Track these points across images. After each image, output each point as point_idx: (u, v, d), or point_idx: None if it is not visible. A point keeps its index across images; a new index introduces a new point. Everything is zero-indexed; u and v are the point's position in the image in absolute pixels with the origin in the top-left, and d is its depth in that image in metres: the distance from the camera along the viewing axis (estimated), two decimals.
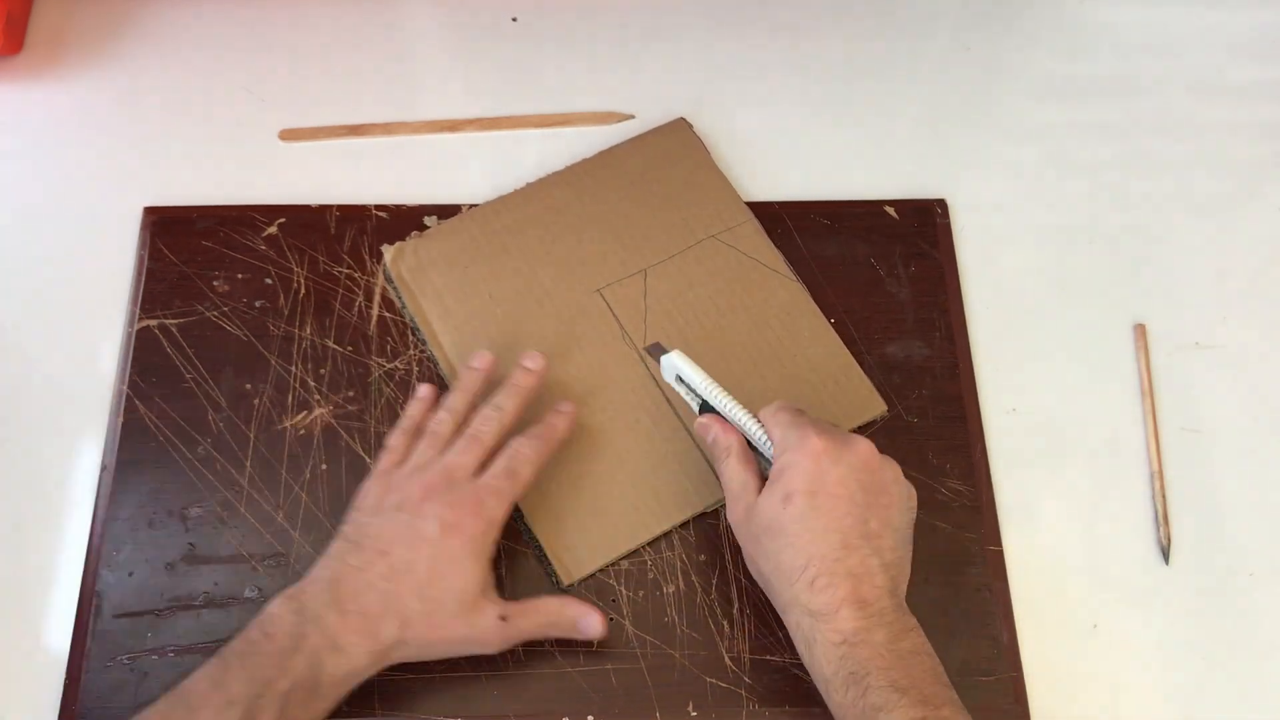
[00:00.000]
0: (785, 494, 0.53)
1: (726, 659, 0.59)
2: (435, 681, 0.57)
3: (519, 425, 0.60)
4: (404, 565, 0.54)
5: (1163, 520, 0.63)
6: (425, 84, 0.77)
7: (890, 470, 0.55)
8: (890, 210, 0.71)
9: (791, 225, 0.70)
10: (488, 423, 0.58)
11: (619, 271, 0.68)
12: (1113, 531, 0.63)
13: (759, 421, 0.57)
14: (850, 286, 0.69)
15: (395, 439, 0.60)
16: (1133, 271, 0.71)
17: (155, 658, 0.58)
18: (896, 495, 0.54)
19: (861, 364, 0.66)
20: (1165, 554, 0.63)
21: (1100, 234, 0.72)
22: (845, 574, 0.51)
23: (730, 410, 0.57)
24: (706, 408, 0.59)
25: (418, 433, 0.60)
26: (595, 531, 0.61)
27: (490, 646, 0.56)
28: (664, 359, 0.60)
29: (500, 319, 0.66)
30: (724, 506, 0.59)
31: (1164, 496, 0.64)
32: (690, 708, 0.58)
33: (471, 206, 0.70)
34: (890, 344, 0.67)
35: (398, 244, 0.68)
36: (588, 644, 0.58)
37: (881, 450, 0.63)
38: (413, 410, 0.61)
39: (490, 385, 0.61)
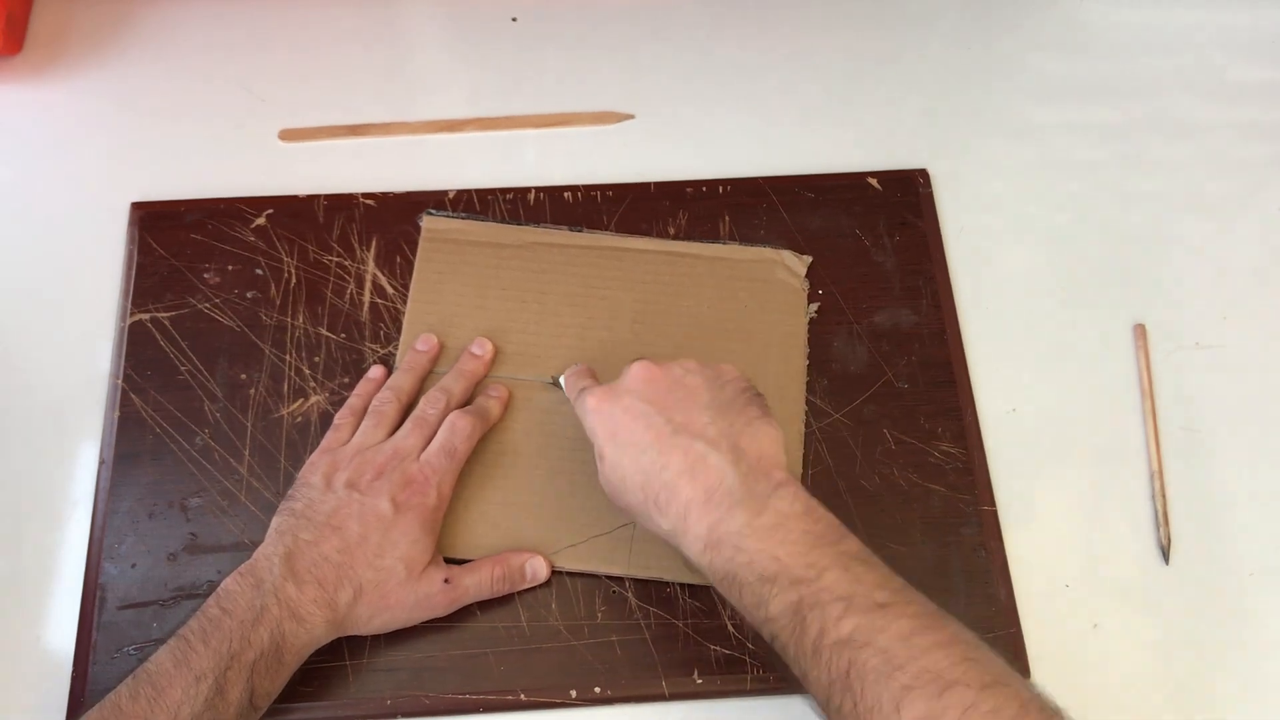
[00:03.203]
0: (599, 457, 0.54)
1: (729, 626, 0.59)
2: (440, 659, 0.58)
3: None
4: (357, 539, 0.55)
5: (1163, 520, 0.63)
6: (425, 84, 0.77)
7: (678, 368, 0.55)
8: (873, 181, 0.72)
9: (776, 199, 0.71)
10: (434, 405, 0.61)
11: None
12: (1113, 531, 0.63)
13: None
14: (836, 257, 0.69)
15: (342, 417, 0.62)
16: (1133, 271, 0.71)
17: None
18: (695, 383, 0.54)
19: (850, 333, 0.67)
20: (1165, 554, 0.62)
21: (1100, 234, 0.72)
22: (677, 473, 0.50)
23: None
24: None
25: (361, 411, 0.62)
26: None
27: (438, 609, 0.58)
28: (564, 379, 0.62)
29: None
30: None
31: (1164, 496, 0.64)
32: (695, 675, 0.58)
33: (460, 192, 0.71)
34: (878, 312, 0.68)
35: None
36: (592, 616, 0.59)
37: (876, 417, 0.65)
38: (361, 390, 0.63)
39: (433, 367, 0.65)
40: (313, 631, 0.53)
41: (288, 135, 0.74)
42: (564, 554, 0.60)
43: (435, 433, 0.60)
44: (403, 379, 0.63)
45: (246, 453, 0.63)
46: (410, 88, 0.77)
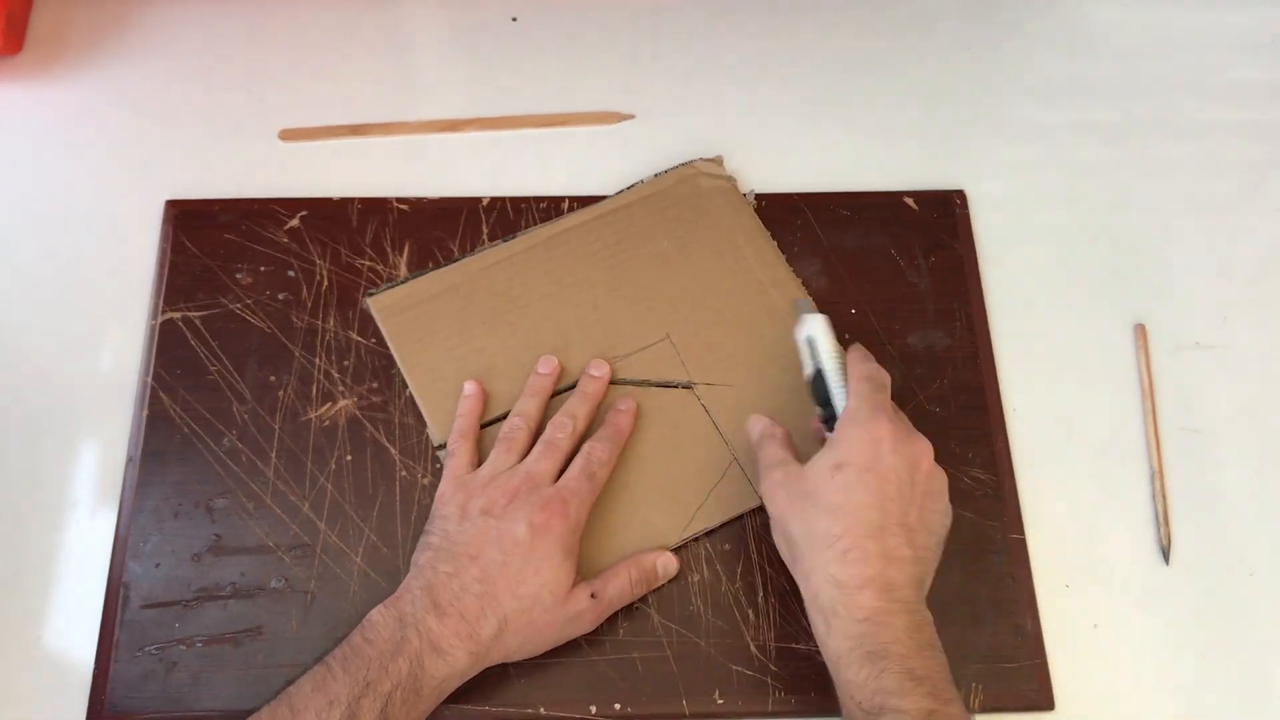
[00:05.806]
0: (837, 462, 0.54)
1: (752, 647, 0.59)
2: None
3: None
4: (496, 567, 0.55)
5: (1163, 520, 0.63)
6: (425, 84, 0.77)
7: (940, 480, 0.56)
8: (910, 201, 0.72)
9: (811, 216, 0.71)
10: (562, 430, 0.61)
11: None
12: (1113, 531, 0.63)
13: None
14: (871, 277, 0.69)
15: (455, 442, 0.61)
16: (1133, 271, 0.71)
17: (183, 648, 0.58)
18: (941, 503, 0.56)
19: (882, 354, 0.66)
20: (1165, 554, 0.63)
21: (1101, 234, 0.72)
22: (878, 553, 0.52)
23: (835, 385, 0.59)
24: (818, 381, 0.59)
25: (473, 432, 0.62)
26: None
27: (586, 625, 0.57)
28: (807, 317, 0.61)
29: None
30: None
31: (1164, 496, 0.64)
32: (716, 695, 0.58)
33: (494, 199, 0.71)
34: (911, 334, 0.67)
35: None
36: (614, 632, 0.59)
37: None
38: (464, 409, 0.63)
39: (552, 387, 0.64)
40: (454, 664, 0.53)
41: (288, 135, 0.74)
42: (677, 538, 0.61)
43: (565, 457, 0.60)
44: (529, 404, 0.62)
45: (273, 455, 0.63)
46: (410, 88, 0.77)
